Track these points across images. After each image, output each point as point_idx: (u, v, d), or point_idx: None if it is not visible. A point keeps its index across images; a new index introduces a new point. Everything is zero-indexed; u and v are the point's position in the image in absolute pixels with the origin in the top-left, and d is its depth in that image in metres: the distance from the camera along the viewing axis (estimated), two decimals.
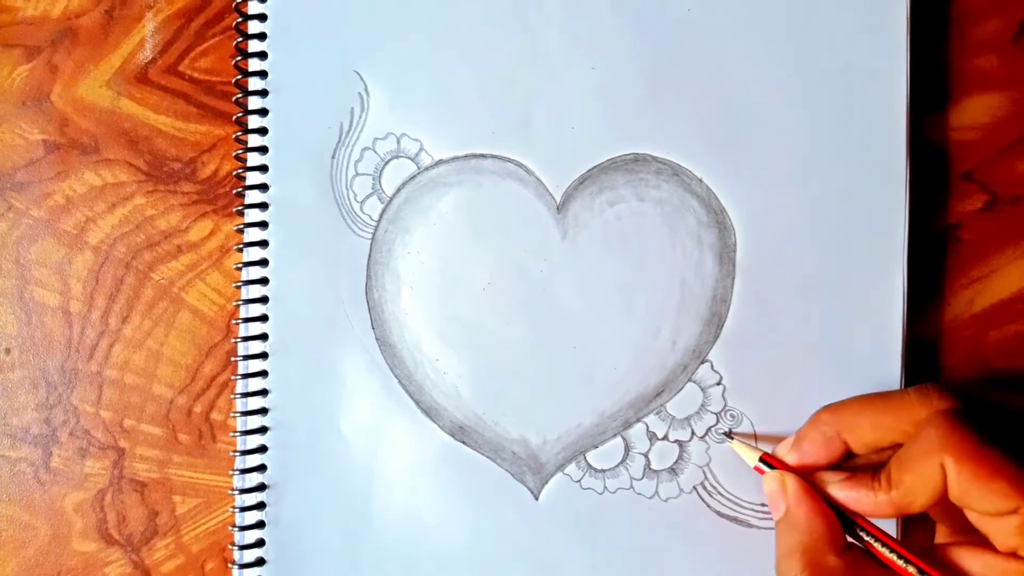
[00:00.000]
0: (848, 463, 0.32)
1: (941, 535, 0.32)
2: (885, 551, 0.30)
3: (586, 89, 0.37)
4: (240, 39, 0.39)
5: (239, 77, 0.39)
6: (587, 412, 0.37)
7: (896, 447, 0.30)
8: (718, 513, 0.36)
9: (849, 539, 0.31)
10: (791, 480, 0.32)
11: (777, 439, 0.35)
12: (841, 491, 0.31)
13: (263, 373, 0.38)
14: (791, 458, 0.32)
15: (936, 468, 0.28)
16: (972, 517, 0.29)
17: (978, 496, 0.27)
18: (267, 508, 0.38)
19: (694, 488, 0.36)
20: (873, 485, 0.30)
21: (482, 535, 0.37)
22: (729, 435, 0.35)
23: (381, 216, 0.38)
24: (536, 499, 0.37)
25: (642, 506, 0.36)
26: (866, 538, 0.30)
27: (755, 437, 0.36)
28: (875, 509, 0.30)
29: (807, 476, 0.32)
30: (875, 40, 0.35)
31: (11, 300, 0.42)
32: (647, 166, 0.37)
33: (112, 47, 0.42)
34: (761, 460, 0.33)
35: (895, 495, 0.29)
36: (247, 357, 0.38)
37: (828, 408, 0.32)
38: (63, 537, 0.41)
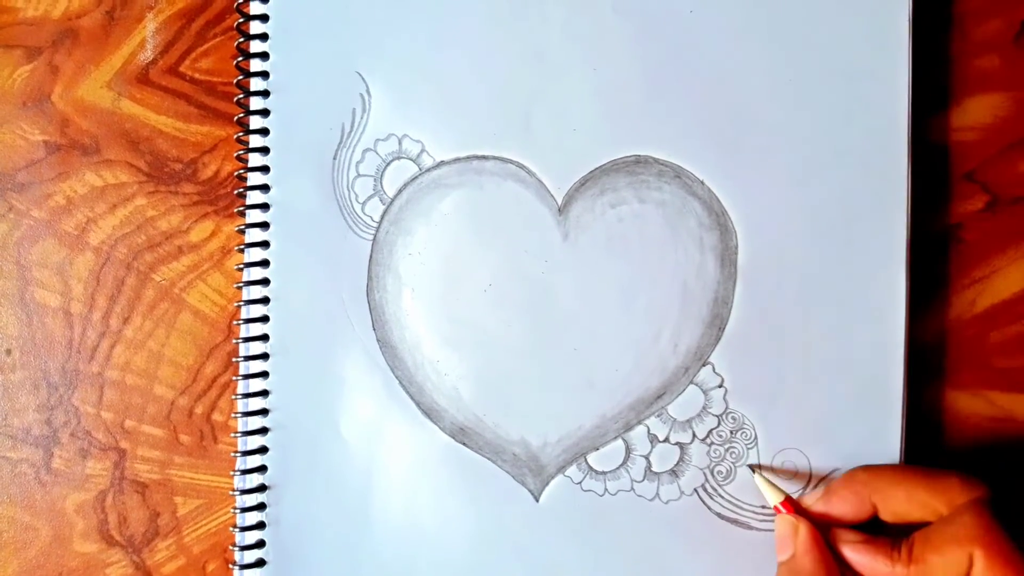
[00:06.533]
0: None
1: None
2: None
3: (588, 90, 0.37)
4: (241, 39, 0.39)
5: (240, 78, 0.39)
6: (588, 414, 0.37)
7: (922, 524, 0.30)
8: (719, 515, 0.36)
9: None
10: (804, 527, 0.32)
11: (781, 446, 0.35)
12: (856, 553, 0.31)
13: (264, 374, 0.38)
14: (817, 508, 0.33)
15: (964, 556, 0.28)
16: None
17: None
18: (268, 509, 0.38)
19: (695, 490, 0.36)
20: (892, 555, 0.30)
21: (482, 536, 0.37)
22: (754, 469, 0.35)
23: (382, 217, 0.38)
24: (537, 501, 0.37)
25: (643, 508, 0.36)
26: None
27: (756, 440, 0.36)
28: None
29: (824, 527, 0.32)
30: (876, 41, 0.35)
31: (12, 301, 0.42)
32: (649, 168, 0.37)
33: (113, 48, 0.42)
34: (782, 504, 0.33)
35: (914, 570, 0.29)
36: (248, 358, 0.38)
37: (866, 469, 0.33)
38: (64, 538, 0.41)
